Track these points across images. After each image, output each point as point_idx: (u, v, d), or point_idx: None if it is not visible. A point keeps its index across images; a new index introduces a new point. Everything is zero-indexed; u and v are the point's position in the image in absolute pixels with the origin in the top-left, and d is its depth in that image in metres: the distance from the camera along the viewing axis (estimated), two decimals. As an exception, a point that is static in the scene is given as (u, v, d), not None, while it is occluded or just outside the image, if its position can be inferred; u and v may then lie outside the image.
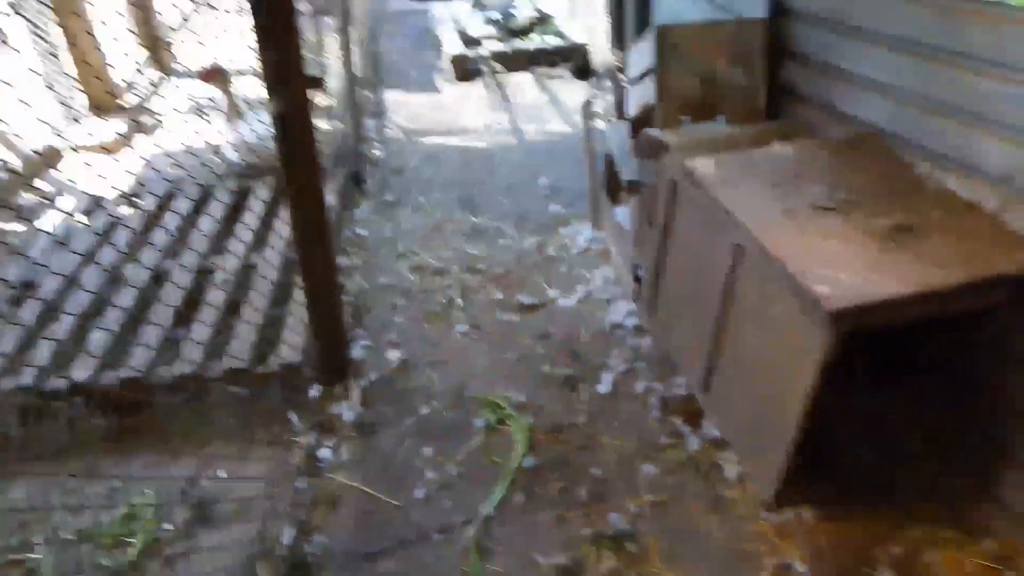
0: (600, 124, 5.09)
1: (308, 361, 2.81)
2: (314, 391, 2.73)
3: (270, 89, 2.24)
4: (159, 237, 3.42)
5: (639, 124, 3.28)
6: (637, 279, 3.09)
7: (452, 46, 6.20)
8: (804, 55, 2.74)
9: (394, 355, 2.99)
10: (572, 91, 5.80)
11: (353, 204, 4.21)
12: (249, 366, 2.74)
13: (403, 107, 5.70)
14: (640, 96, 3.07)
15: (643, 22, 4.58)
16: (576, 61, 6.03)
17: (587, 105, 3.70)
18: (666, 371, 2.80)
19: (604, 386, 2.77)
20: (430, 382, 2.87)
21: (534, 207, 4.13)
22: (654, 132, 2.83)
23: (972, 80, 2.02)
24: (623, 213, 3.53)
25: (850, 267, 1.87)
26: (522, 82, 6.02)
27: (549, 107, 5.56)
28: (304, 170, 2.40)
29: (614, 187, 3.59)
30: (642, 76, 3.01)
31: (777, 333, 2.02)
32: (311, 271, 2.61)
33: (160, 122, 5.16)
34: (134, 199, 3.97)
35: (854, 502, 2.18)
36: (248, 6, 2.15)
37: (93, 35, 4.99)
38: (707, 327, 2.41)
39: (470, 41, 6.36)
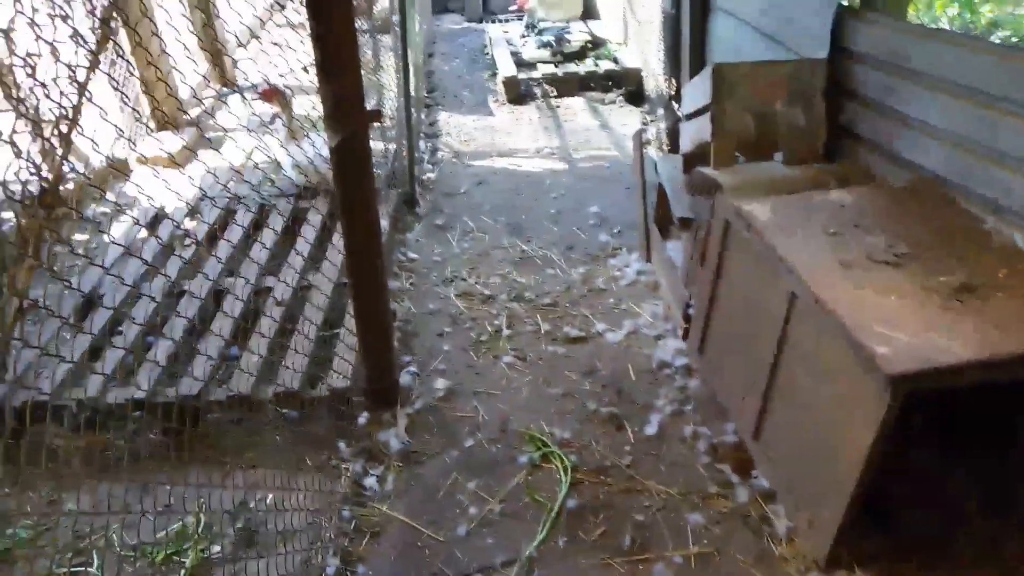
0: (653, 153, 5.08)
1: (357, 387, 2.86)
2: (362, 419, 2.77)
3: (329, 122, 2.30)
4: (220, 252, 3.53)
5: (692, 160, 3.27)
6: (687, 317, 3.06)
7: (505, 68, 6.26)
8: (864, 97, 2.69)
9: (441, 383, 3.02)
10: (624, 117, 5.80)
11: (406, 227, 4.27)
12: (300, 389, 2.80)
13: (456, 129, 5.77)
14: (694, 132, 3.05)
15: (699, 52, 4.58)
16: (629, 86, 6.02)
17: (639, 134, 3.69)
18: (715, 415, 2.76)
19: (651, 427, 2.75)
20: (475, 413, 2.88)
21: (583, 235, 4.13)
22: (708, 171, 2.81)
23: (1046, 134, 1.96)
24: (674, 247, 3.51)
25: (910, 326, 1.82)
26: (574, 106, 6.04)
27: (600, 132, 5.57)
28: (360, 204, 2.45)
29: (665, 220, 3.58)
30: (697, 113, 2.99)
31: (834, 387, 1.98)
32: (362, 300, 2.66)
33: (225, 135, 5.32)
34: (197, 213, 4.11)
35: (909, 563, 2.11)
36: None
37: (161, 39, 5.15)
38: (759, 374, 2.37)
39: (523, 64, 6.41)
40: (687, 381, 2.97)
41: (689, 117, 3.19)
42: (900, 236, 2.16)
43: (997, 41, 2.07)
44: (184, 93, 5.53)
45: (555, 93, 6.19)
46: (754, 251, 2.33)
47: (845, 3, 2.80)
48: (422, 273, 3.84)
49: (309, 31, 2.16)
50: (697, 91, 2.99)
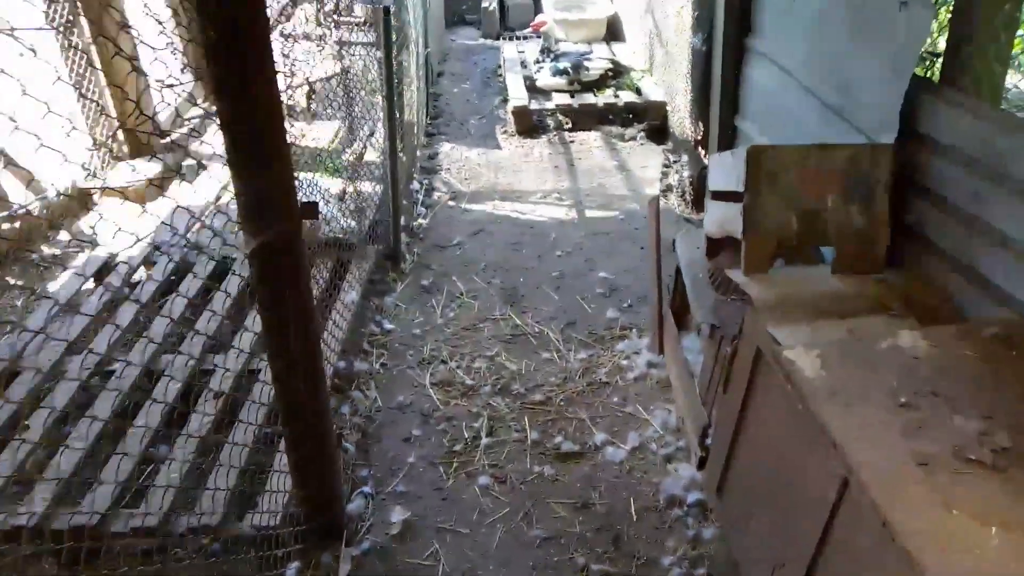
0: (674, 204, 4.51)
1: (290, 522, 2.33)
2: (291, 571, 2.24)
3: (245, 224, 1.77)
4: (166, 315, 3.01)
5: (718, 246, 2.70)
6: (704, 445, 2.50)
7: (516, 96, 5.70)
8: (942, 199, 2.10)
9: (398, 515, 2.48)
10: (645, 157, 5.22)
11: (387, 288, 3.74)
12: (220, 524, 2.29)
13: (458, 164, 5.23)
14: (722, 218, 2.48)
15: (732, 99, 3.99)
16: (652, 121, 5.44)
17: (655, 202, 3.12)
18: (733, 586, 2.20)
19: (651, 598, 2.20)
20: (435, 561, 2.34)
21: (588, 308, 3.57)
22: (737, 276, 2.25)
23: None
24: (692, 344, 2.94)
25: (1027, 590, 1.25)
26: (589, 142, 5.47)
27: (617, 175, 5.00)
28: (291, 323, 1.92)
29: (684, 308, 3.01)
30: (727, 196, 2.42)
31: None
32: (297, 431, 2.13)
33: (200, 167, 4.84)
34: (151, 262, 3.62)
35: None
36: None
37: (135, 54, 4.64)
38: (794, 560, 1.81)
39: (537, 92, 5.85)
40: (701, 528, 2.41)
41: (716, 196, 2.62)
42: (997, 416, 1.58)
43: None
44: (164, 113, 5.06)
45: (570, 125, 5.63)
46: (793, 409, 1.76)
47: (921, 73, 2.21)
48: (397, 351, 3.31)
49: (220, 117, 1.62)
50: (728, 168, 2.42)
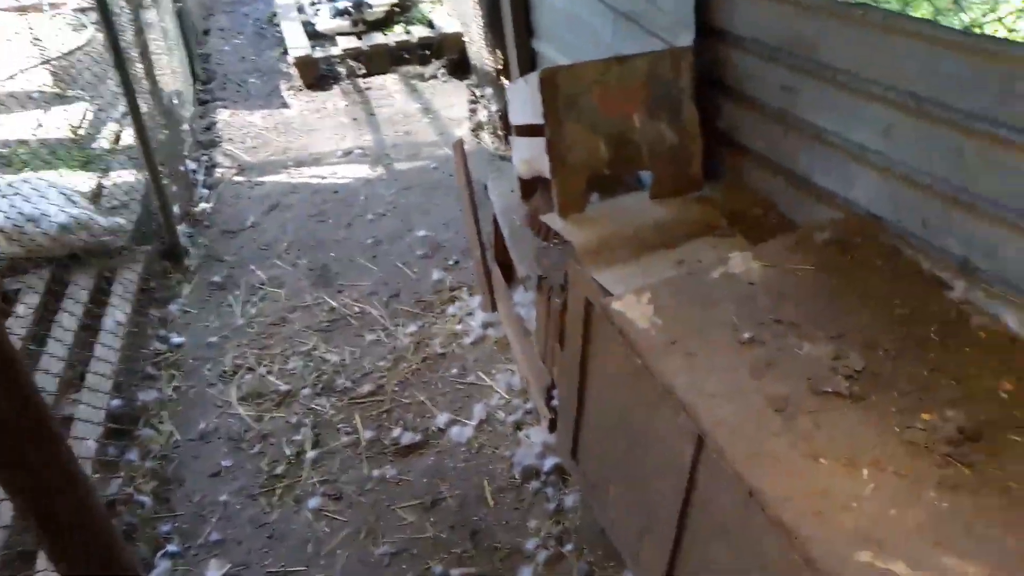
0: (487, 141, 4.19)
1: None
2: None
3: None
4: None
5: (531, 186, 2.41)
6: (552, 406, 2.26)
7: (297, 45, 5.06)
8: (750, 97, 1.93)
9: (215, 570, 2.06)
10: (449, 95, 4.83)
11: (169, 294, 3.16)
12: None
13: (241, 131, 4.57)
14: (528, 156, 2.19)
15: (523, 21, 3.68)
16: (450, 55, 5.04)
17: (459, 145, 2.78)
18: (606, 556, 2.01)
19: (521, 592, 1.96)
20: (269, 616, 1.97)
21: (411, 274, 3.21)
22: (553, 221, 1.97)
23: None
24: (524, 297, 2.68)
25: (908, 544, 1.09)
26: (388, 86, 4.99)
27: (423, 119, 4.58)
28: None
29: (509, 261, 2.73)
30: (530, 130, 2.12)
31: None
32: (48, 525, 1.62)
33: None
34: None
35: None
36: None
37: None
38: (659, 523, 1.61)
39: (319, 38, 5.23)
40: (563, 497, 2.20)
41: (520, 131, 2.31)
42: (846, 334, 1.43)
43: (960, 26, 1.47)
44: None
45: (363, 71, 5.10)
46: (633, 363, 1.53)
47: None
48: (192, 368, 2.79)
49: None
50: (525, 98, 2.11)
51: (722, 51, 1.96)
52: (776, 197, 1.93)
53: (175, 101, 4.11)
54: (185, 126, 4.18)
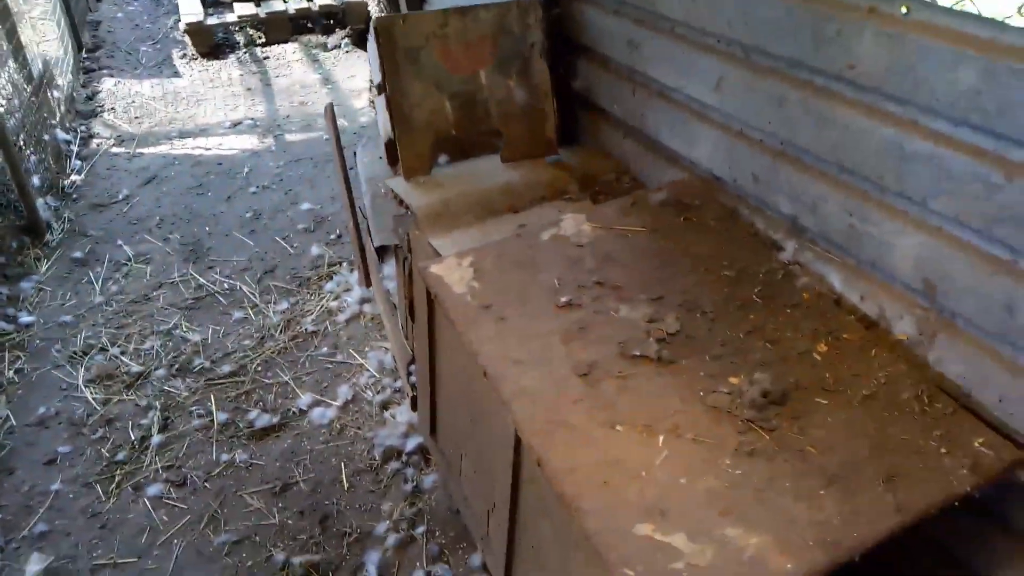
0: (381, 118, 4.03)
1: None
2: None
3: None
4: None
5: (395, 152, 2.28)
6: (412, 384, 2.15)
7: (189, 11, 4.78)
8: (601, 55, 1.84)
9: (36, 564, 1.89)
10: (352, 66, 4.64)
11: (20, 272, 2.92)
12: None
13: (125, 101, 4.29)
14: (382, 118, 2.06)
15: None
16: (355, 24, 4.84)
17: (330, 109, 2.62)
18: (457, 539, 1.92)
19: (366, 579, 1.85)
20: (89, 613, 1.81)
21: (289, 249, 3.04)
22: (397, 184, 1.85)
23: (857, 121, 1.20)
24: (392, 271, 2.55)
25: (694, 514, 1.01)
26: (287, 56, 4.77)
27: (321, 90, 4.39)
28: None
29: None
30: (380, 88, 1.99)
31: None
32: None
33: None
34: None
35: None
36: None
37: None
38: (498, 505, 1.53)
39: (216, 3, 4.96)
40: (422, 477, 2.09)
41: (380, 90, 2.17)
42: (667, 295, 1.36)
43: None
44: None
45: (262, 40, 4.86)
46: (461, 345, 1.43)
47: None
48: (39, 349, 2.57)
49: None
50: (373, 54, 1.98)
51: (573, 5, 1.86)
52: (630, 161, 1.86)
53: (46, 69, 3.82)
54: (56, 94, 3.89)
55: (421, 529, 1.95)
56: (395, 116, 1.78)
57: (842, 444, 1.09)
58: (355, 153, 2.64)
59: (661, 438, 1.11)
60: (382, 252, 2.61)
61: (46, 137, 3.48)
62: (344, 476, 2.12)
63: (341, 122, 4.01)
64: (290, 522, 2.00)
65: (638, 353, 1.24)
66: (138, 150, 3.81)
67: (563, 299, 1.34)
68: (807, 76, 1.27)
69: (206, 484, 2.11)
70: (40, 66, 3.80)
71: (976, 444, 1.08)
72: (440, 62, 1.77)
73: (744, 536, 0.98)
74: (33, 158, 3.25)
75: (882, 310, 1.27)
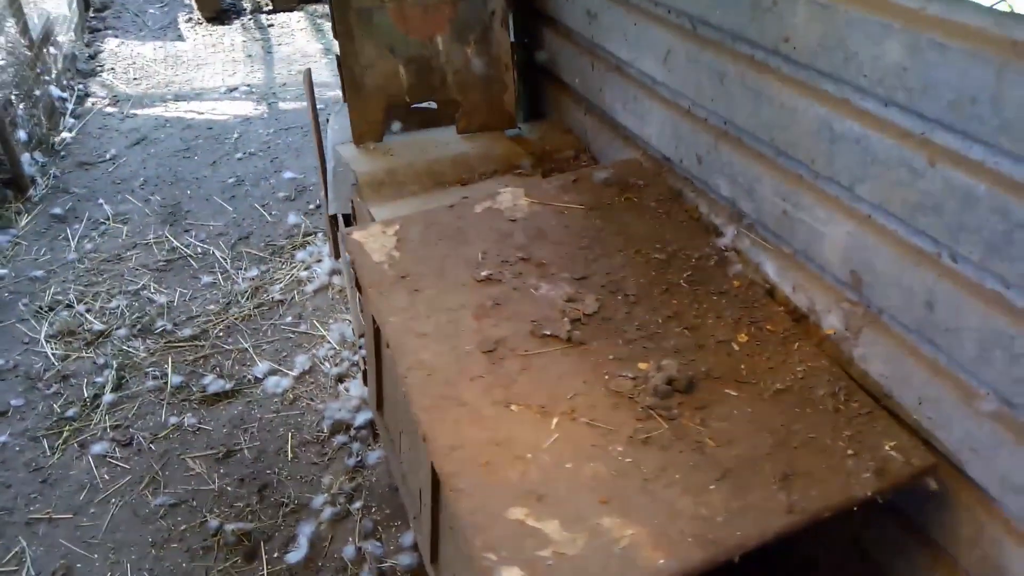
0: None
1: None
2: None
3: None
4: None
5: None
6: (363, 357, 2.12)
7: (197, -25, 4.76)
8: (565, 26, 1.77)
9: (-29, 515, 1.90)
10: (354, 37, 4.58)
11: (7, 221, 2.93)
12: None
13: (127, 62, 4.29)
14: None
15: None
16: (361, -4, 4.77)
17: (307, 75, 2.57)
18: (393, 516, 1.89)
19: (297, 551, 1.82)
20: (18, 564, 1.80)
21: (267, 217, 3.02)
22: (345, 151, 1.81)
23: (792, 99, 1.13)
24: (359, 242, 2.51)
25: (564, 498, 0.96)
26: (292, 24, 4.73)
27: (321, 59, 4.34)
28: None
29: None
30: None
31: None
32: None
33: None
34: None
35: None
36: None
37: None
38: (425, 487, 1.49)
39: (224, -32, 4.93)
40: (367, 453, 2.06)
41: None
42: (593, 275, 1.30)
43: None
44: None
45: (269, 7, 4.83)
46: (383, 303, 1.39)
47: None
48: (5, 302, 2.58)
49: None
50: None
51: (539, -26, 1.80)
52: (590, 139, 1.79)
53: (47, 26, 3.82)
54: (55, 51, 3.89)
55: (359, 504, 1.92)
56: (346, 79, 1.73)
57: (744, 438, 1.03)
58: (327, 120, 2.59)
59: (555, 420, 1.06)
60: (349, 222, 2.57)
61: (37, 92, 3.48)
62: (290, 446, 2.09)
63: (335, 93, 3.96)
64: (229, 489, 1.98)
65: (548, 332, 1.18)
66: (132, 111, 3.80)
67: (484, 273, 1.29)
68: (747, 50, 1.19)
69: (151, 446, 2.10)
70: (38, 23, 3.80)
71: (887, 447, 1.02)
72: (395, 24, 1.72)
73: (620, 527, 0.93)
74: (21, 113, 3.25)
75: (812, 302, 1.20)
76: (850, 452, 1.01)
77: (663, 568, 0.88)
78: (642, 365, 1.13)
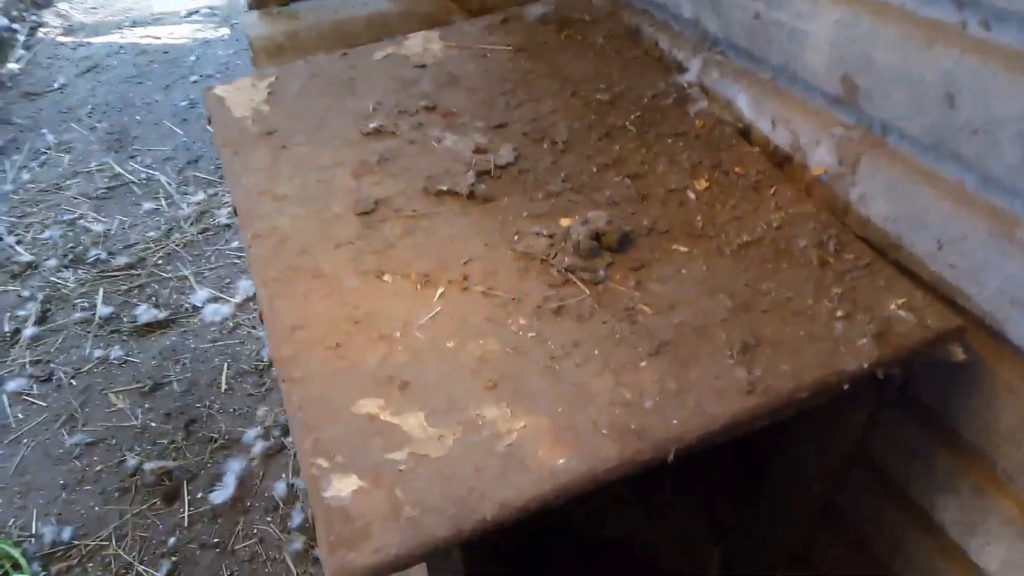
0: None
1: None
2: None
3: None
4: None
5: None
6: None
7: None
8: None
9: None
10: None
11: (-67, 158, 2.71)
12: None
13: (85, -10, 4.01)
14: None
15: None
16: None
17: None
18: (327, 446, 1.66)
19: (223, 490, 1.60)
20: (-86, 512, 1.62)
21: (220, 139, 2.75)
22: (244, 19, 1.52)
23: None
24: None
25: (436, 385, 0.70)
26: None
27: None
28: None
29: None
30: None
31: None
32: None
33: None
34: None
35: None
36: None
37: None
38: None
39: None
40: (310, 381, 1.83)
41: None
42: (512, 124, 1.01)
43: None
44: None
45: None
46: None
47: None
48: (-69, 237, 2.38)
49: None
50: None
51: None
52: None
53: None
54: (0, -22, 3.62)
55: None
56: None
57: (691, 302, 0.75)
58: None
59: (440, 290, 0.79)
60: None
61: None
62: (224, 377, 1.86)
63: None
64: (153, 425, 1.76)
65: (445, 188, 0.90)
66: (85, 39, 3.54)
67: (372, 125, 1.01)
68: None
69: (72, 381, 1.88)
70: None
71: (893, 306, 0.73)
72: None
73: (508, 418, 0.66)
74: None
75: (796, 137, 0.91)
76: (840, 314, 0.73)
77: (562, 469, 0.62)
78: (564, 221, 0.85)
